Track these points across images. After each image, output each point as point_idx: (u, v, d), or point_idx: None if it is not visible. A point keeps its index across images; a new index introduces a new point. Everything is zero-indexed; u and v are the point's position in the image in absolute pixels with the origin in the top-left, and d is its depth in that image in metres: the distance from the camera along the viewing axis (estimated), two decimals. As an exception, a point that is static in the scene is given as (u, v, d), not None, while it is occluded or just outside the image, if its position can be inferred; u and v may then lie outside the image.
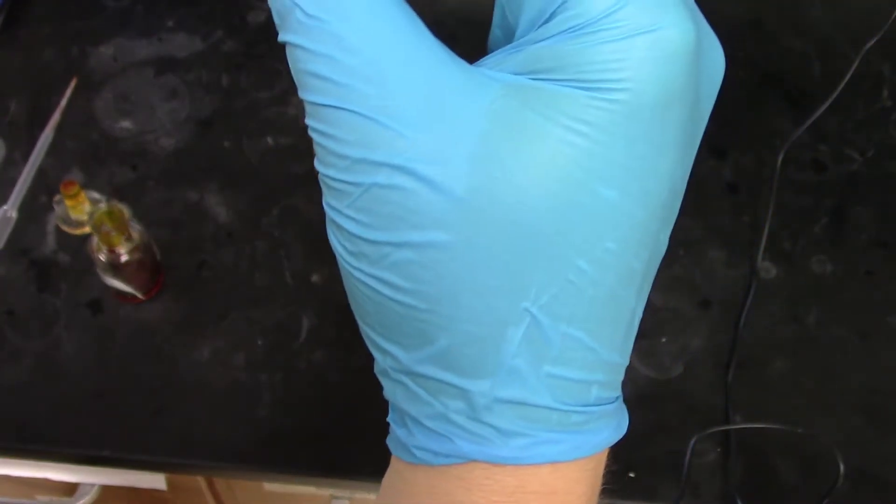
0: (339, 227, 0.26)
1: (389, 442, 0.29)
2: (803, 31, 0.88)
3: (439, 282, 0.24)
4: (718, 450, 0.68)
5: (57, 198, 0.72)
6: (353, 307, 0.28)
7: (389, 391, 0.28)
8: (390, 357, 0.27)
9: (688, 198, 0.27)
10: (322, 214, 0.26)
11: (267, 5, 0.93)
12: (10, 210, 0.74)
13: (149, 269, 0.69)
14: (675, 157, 0.25)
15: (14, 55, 0.83)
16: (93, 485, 0.80)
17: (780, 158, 0.77)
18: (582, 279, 0.25)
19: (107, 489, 0.81)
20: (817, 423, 0.69)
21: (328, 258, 0.72)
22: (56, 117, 0.78)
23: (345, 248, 0.26)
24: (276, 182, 0.77)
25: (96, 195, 0.73)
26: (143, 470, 0.74)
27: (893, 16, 0.76)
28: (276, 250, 0.74)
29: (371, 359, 0.28)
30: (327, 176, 0.25)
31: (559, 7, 0.24)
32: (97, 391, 0.68)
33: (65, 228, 0.73)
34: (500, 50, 0.26)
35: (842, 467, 0.64)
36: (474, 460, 0.26)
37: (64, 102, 0.79)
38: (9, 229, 0.74)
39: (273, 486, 0.79)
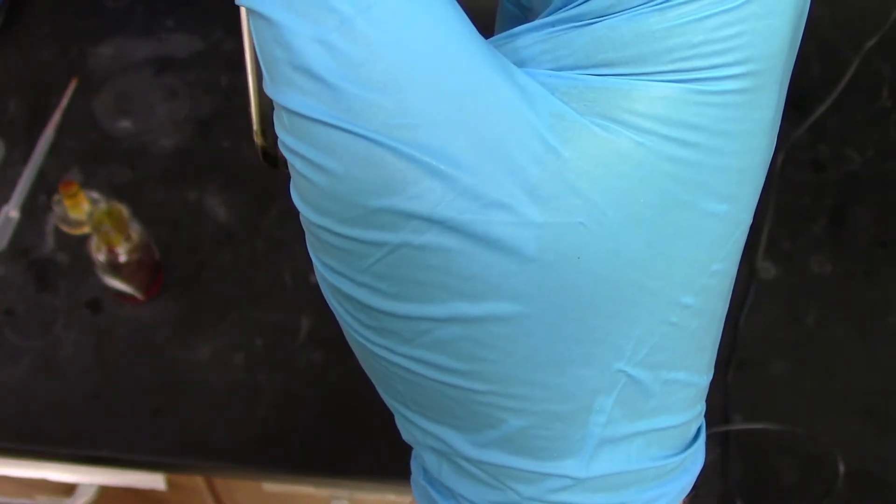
0: (346, 296, 0.19)
1: (419, 497, 0.23)
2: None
3: (506, 360, 0.18)
4: (718, 450, 0.68)
5: (56, 197, 0.72)
6: (375, 381, 0.21)
7: (433, 466, 0.22)
8: (435, 439, 0.21)
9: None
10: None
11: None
12: (12, 210, 0.74)
13: (148, 269, 0.69)
14: (777, 127, 0.19)
15: (14, 55, 0.83)
16: (92, 485, 0.80)
17: (779, 158, 0.77)
18: (685, 316, 0.19)
19: (106, 489, 0.81)
20: (817, 423, 0.69)
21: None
22: (56, 117, 0.78)
23: (359, 321, 0.19)
24: (275, 182, 0.77)
25: (96, 195, 0.73)
26: (142, 470, 0.74)
27: (893, 16, 0.76)
28: (276, 250, 0.74)
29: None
30: (322, 228, 0.18)
31: None
32: (96, 391, 0.68)
33: (64, 228, 0.73)
34: (524, 31, 0.18)
35: (841, 467, 0.64)
36: None
37: (64, 102, 0.79)
38: (11, 229, 0.74)
39: (272, 486, 0.79)
